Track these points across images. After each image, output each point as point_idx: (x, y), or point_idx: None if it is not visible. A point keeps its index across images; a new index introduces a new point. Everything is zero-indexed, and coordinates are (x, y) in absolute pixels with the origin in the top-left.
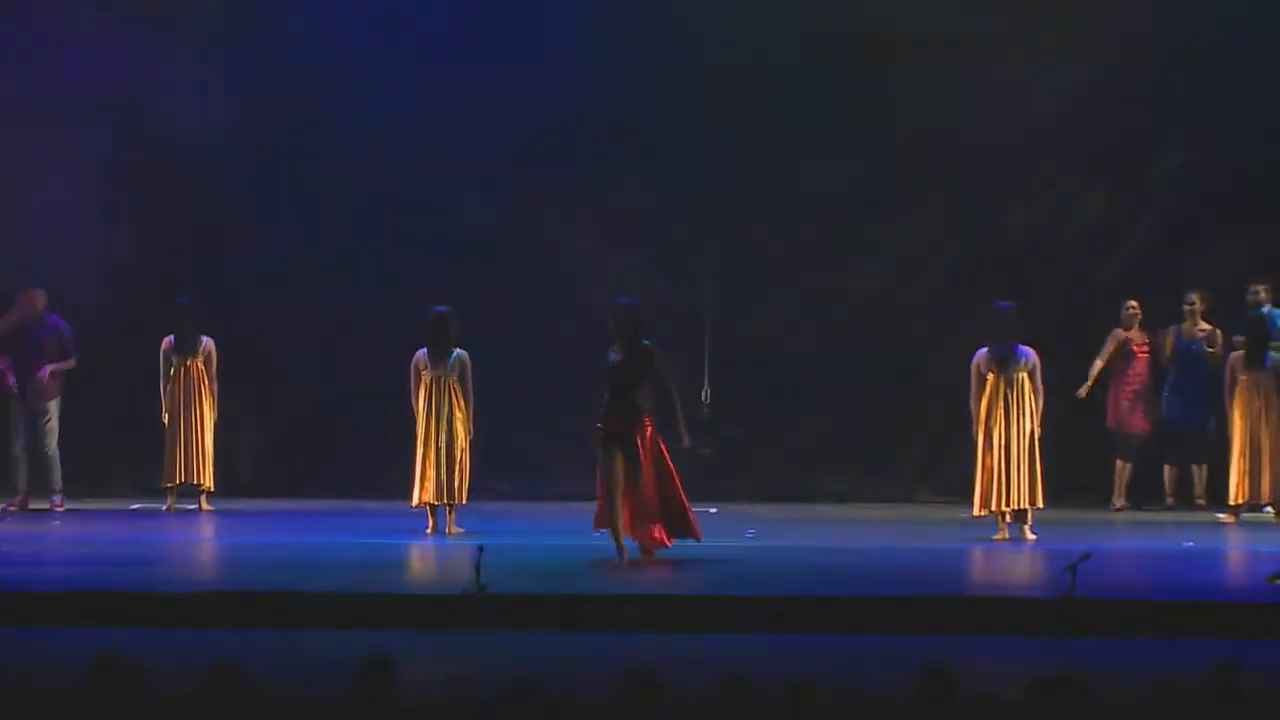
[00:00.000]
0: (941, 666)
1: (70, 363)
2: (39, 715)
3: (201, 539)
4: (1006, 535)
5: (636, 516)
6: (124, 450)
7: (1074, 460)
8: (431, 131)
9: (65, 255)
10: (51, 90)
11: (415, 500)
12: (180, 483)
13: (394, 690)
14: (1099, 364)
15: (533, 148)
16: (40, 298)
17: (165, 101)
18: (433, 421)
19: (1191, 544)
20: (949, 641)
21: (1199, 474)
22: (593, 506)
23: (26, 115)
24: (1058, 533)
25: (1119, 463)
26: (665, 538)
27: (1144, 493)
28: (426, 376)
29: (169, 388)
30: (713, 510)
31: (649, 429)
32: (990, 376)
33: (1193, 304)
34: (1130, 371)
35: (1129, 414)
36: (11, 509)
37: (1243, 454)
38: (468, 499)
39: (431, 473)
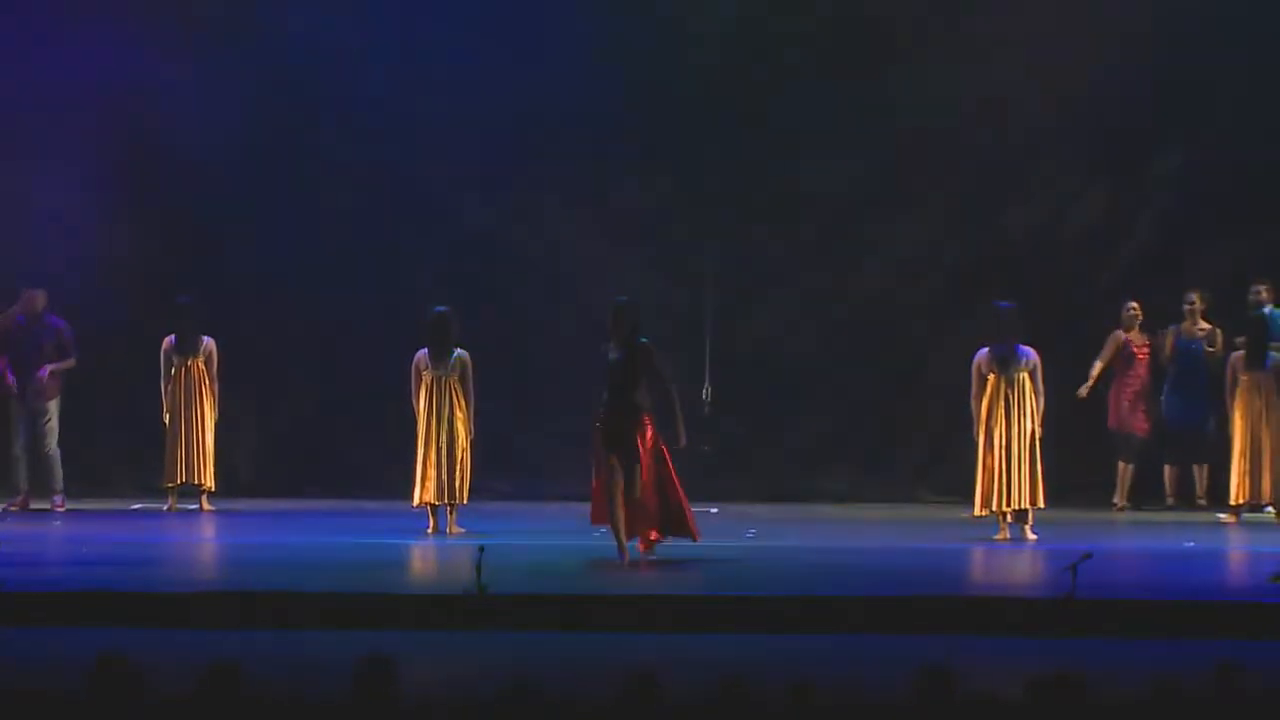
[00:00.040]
0: (941, 667)
1: (70, 362)
2: (39, 715)
3: (202, 539)
4: (1007, 535)
5: (634, 518)
6: (124, 450)
7: (1075, 460)
8: (431, 131)
9: (65, 255)
10: (51, 90)
11: (416, 500)
12: (181, 483)
13: (394, 690)
14: (1099, 365)
15: (533, 148)
16: (40, 298)
17: (165, 101)
18: (433, 421)
19: (1192, 544)
20: (949, 641)
21: (1200, 474)
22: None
23: (26, 114)
24: (1058, 533)
25: (1121, 464)
26: (659, 536)
27: (1145, 493)
28: (427, 376)
29: (170, 388)
30: (713, 510)
31: (649, 429)
32: (991, 376)
33: (1193, 304)
34: (1131, 373)
35: (1130, 415)
36: (13, 509)
37: (1243, 454)
38: (468, 499)
39: (432, 473)
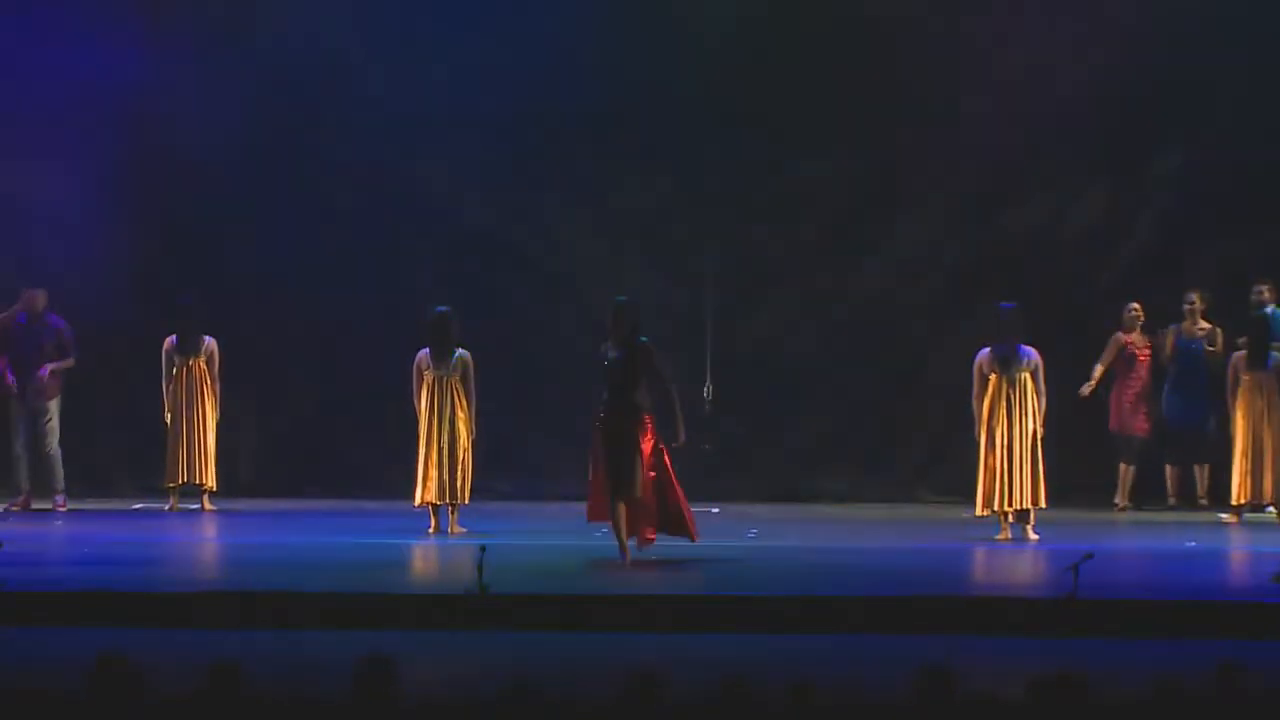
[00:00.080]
0: (941, 667)
1: (69, 361)
2: (40, 715)
3: (203, 539)
4: (1009, 535)
5: (634, 516)
6: (126, 450)
7: (1076, 460)
8: (431, 131)
9: (65, 255)
10: (51, 90)
11: (418, 500)
12: (183, 482)
13: (395, 690)
14: (1100, 369)
15: (533, 147)
16: (41, 297)
17: (165, 101)
18: (435, 421)
19: (1194, 544)
20: (951, 642)
21: (1201, 474)
22: None
23: (26, 115)
24: (1060, 533)
25: (1122, 465)
26: (655, 535)
27: (1146, 493)
28: (428, 376)
29: (171, 387)
30: (714, 510)
31: (649, 428)
32: (993, 376)
33: (1193, 304)
34: (1132, 374)
35: (1131, 417)
36: (14, 509)
37: (1245, 454)
38: (470, 499)
39: (434, 473)
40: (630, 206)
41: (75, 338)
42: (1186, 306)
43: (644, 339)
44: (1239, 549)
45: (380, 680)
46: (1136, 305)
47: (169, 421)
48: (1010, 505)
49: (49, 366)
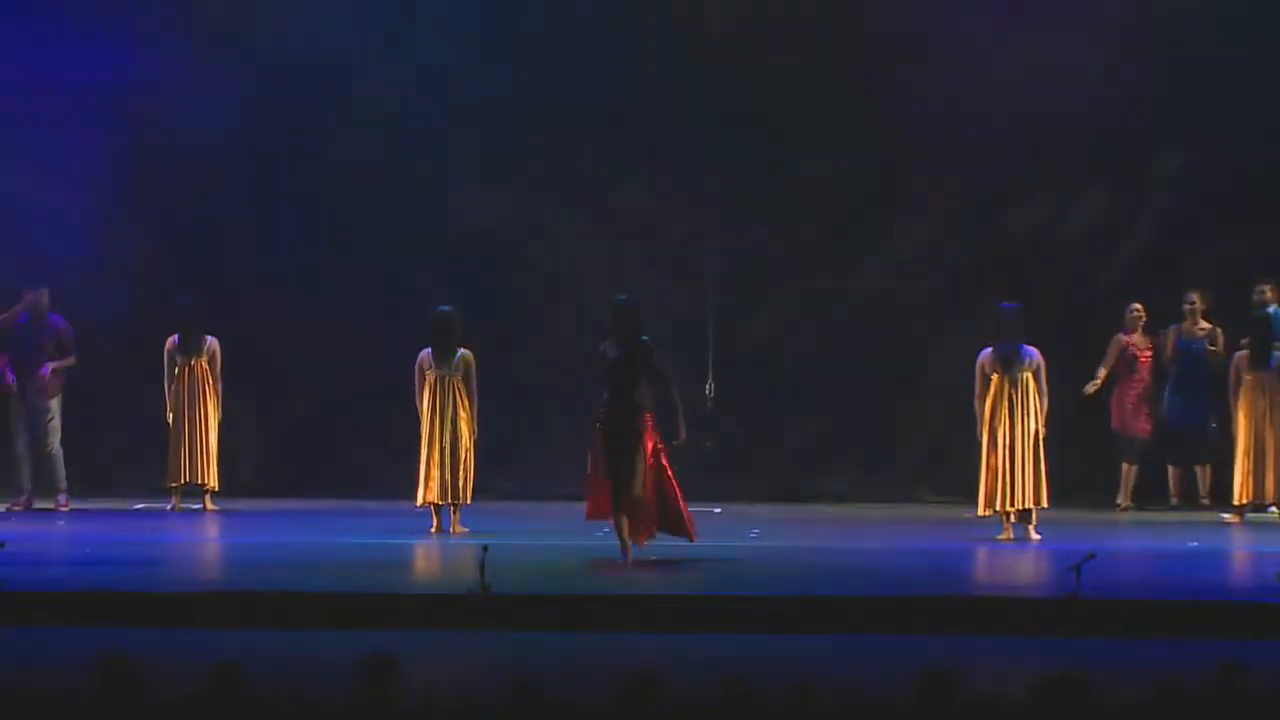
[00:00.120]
0: (941, 667)
1: (71, 360)
2: (41, 715)
3: (205, 539)
4: (1011, 535)
5: (634, 519)
6: (127, 450)
7: (1078, 460)
8: (431, 131)
9: (65, 255)
10: (52, 90)
11: (420, 500)
12: (185, 482)
13: (397, 690)
14: (1103, 371)
15: (533, 147)
16: (44, 296)
17: (165, 101)
18: (437, 421)
19: (1196, 544)
20: (953, 642)
21: (1203, 474)
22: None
23: (26, 115)
24: (1062, 533)
25: (1124, 465)
26: (654, 529)
27: (1148, 493)
28: (431, 376)
29: (173, 387)
30: (716, 510)
31: (650, 428)
32: (995, 376)
33: (1193, 304)
34: (1134, 376)
35: (1133, 417)
36: (16, 509)
37: (1247, 454)
38: (472, 499)
39: (436, 473)
40: (630, 206)
41: (75, 337)
42: (1187, 307)
43: (645, 338)
44: (1241, 549)
45: (382, 680)
46: (1138, 306)
47: (171, 421)
48: (1012, 505)
49: (51, 365)
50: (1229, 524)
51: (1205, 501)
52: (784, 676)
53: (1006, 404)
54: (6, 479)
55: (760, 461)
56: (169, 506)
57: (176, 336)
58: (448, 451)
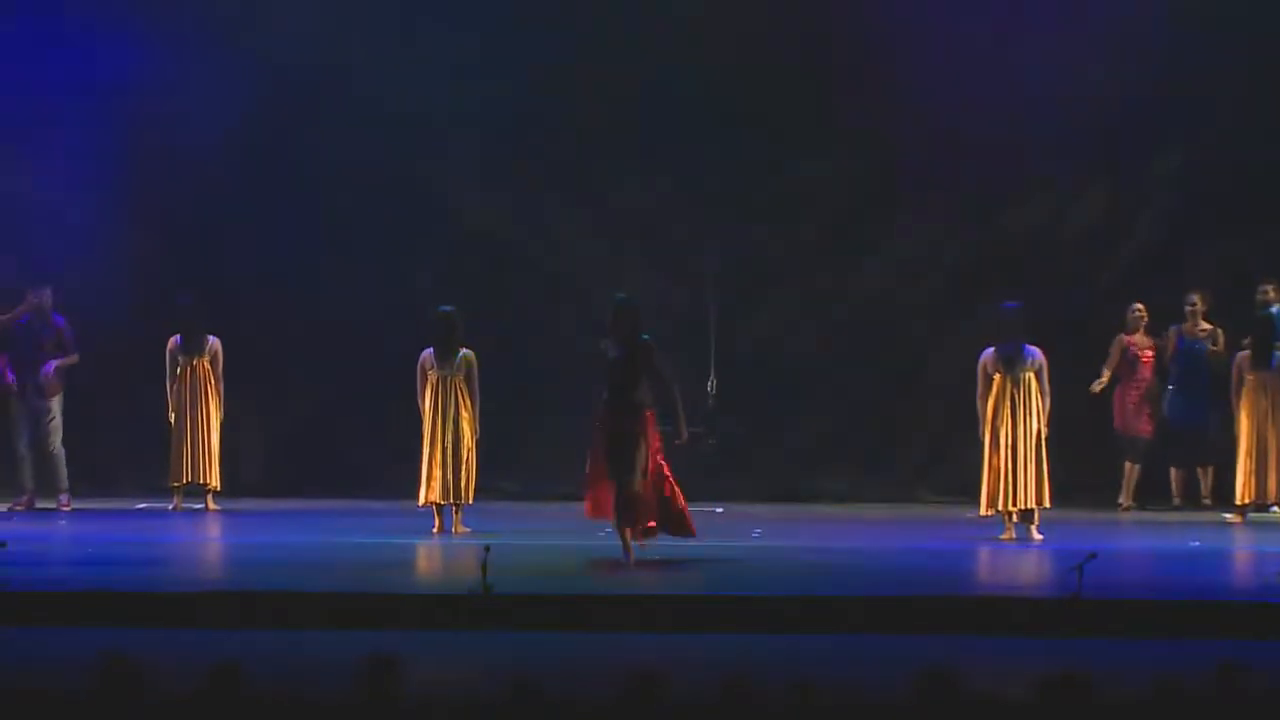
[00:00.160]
0: (942, 667)
1: (74, 358)
2: (40, 715)
3: (206, 538)
4: (1013, 535)
5: (635, 514)
6: (128, 450)
7: (1080, 460)
8: (431, 131)
9: (65, 255)
10: (51, 89)
11: (422, 500)
12: (187, 482)
13: (398, 690)
14: (1107, 373)
15: (533, 147)
16: (47, 295)
17: (165, 101)
18: (439, 421)
19: (1198, 544)
20: (955, 642)
21: (1204, 474)
22: None
23: (27, 114)
24: (1064, 533)
25: (1126, 465)
26: (655, 524)
27: (1150, 493)
28: (433, 376)
29: (175, 387)
30: (718, 510)
31: (650, 427)
32: (997, 376)
33: (1194, 304)
34: (1136, 376)
35: (1135, 417)
36: (18, 508)
37: (1249, 454)
38: (474, 499)
39: (438, 472)
40: (630, 206)
41: (75, 336)
42: (1188, 307)
43: (645, 337)
44: (1243, 549)
45: (383, 680)
46: (1140, 306)
47: (173, 421)
48: (1014, 505)
49: (54, 363)
50: (1231, 524)
51: (1207, 501)
52: (784, 676)
53: (1009, 404)
54: (8, 479)
55: (760, 461)
56: (171, 506)
57: (179, 336)
58: (450, 451)
